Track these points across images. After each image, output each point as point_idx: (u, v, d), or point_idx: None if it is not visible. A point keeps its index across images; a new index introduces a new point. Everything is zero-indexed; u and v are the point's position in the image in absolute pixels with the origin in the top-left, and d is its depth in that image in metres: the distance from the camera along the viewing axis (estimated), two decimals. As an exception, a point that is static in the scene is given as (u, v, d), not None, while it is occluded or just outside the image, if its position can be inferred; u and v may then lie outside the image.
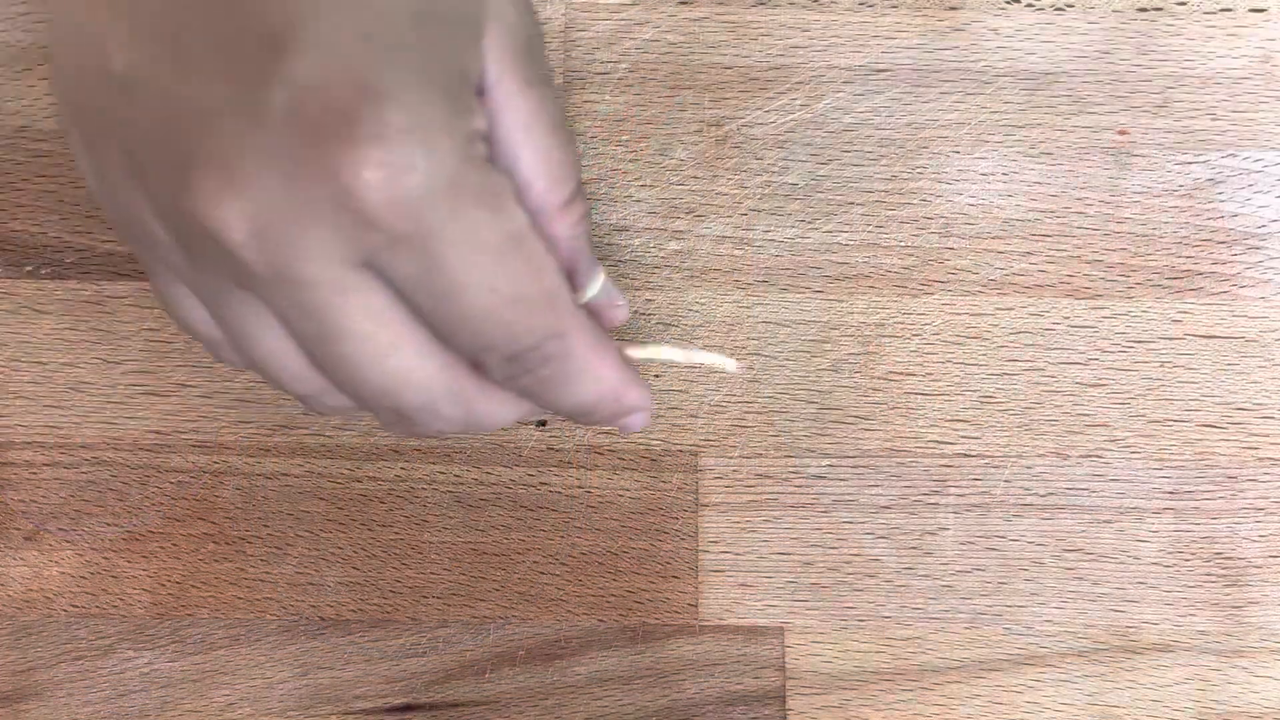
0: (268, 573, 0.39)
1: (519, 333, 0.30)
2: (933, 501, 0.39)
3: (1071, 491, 0.39)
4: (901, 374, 0.40)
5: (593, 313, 0.35)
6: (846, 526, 0.39)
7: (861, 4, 0.42)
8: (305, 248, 0.28)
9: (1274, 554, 0.39)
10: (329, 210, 0.27)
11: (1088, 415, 0.40)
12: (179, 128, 0.28)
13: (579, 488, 0.39)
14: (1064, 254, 0.40)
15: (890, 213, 0.41)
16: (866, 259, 0.40)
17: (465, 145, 0.28)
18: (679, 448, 0.39)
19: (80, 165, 0.31)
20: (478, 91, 0.31)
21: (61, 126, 0.36)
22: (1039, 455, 0.39)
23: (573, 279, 0.34)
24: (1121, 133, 0.41)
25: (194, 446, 0.39)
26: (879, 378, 0.40)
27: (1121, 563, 0.39)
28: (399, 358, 0.29)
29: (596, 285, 0.35)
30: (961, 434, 0.39)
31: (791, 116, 0.41)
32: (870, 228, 0.41)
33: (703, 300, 0.40)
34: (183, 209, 0.28)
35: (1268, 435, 0.39)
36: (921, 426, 0.39)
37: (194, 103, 0.27)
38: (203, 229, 0.28)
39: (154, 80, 0.28)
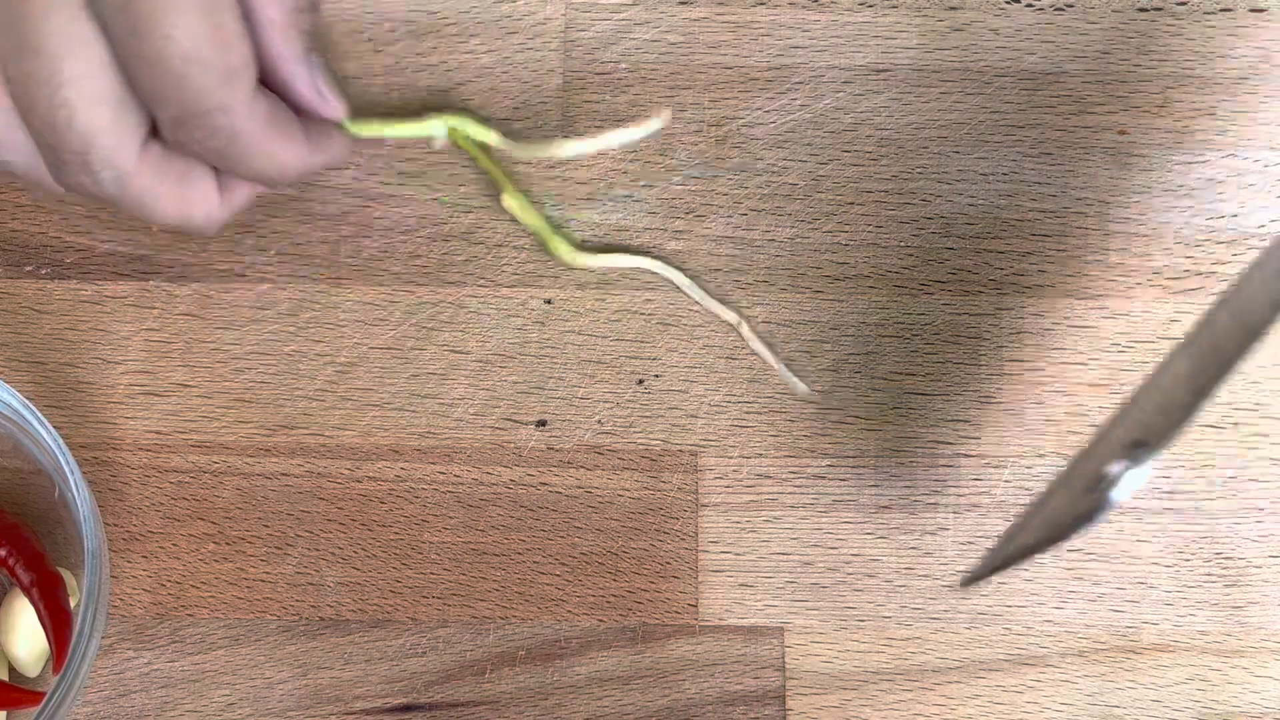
0: (268, 573, 0.39)
1: (187, 93, 0.32)
2: (932, 501, 0.39)
3: (1071, 491, 0.39)
4: (901, 374, 0.40)
5: (303, 106, 0.36)
6: (846, 526, 0.39)
7: (861, 4, 0.42)
8: None
9: (1274, 554, 0.39)
10: None
11: (1088, 415, 0.40)
12: None
13: (579, 488, 0.39)
14: (1064, 254, 0.40)
15: (890, 213, 0.41)
16: (866, 259, 0.40)
17: None
18: (679, 448, 0.39)
19: None
20: None
21: None
22: (1039, 455, 0.39)
23: (279, 65, 0.35)
24: (1121, 133, 0.41)
25: (194, 446, 0.39)
26: (879, 378, 0.40)
27: (1121, 563, 0.39)
28: (72, 91, 0.32)
29: (303, 77, 0.36)
30: (961, 434, 0.39)
31: (791, 116, 0.41)
32: (870, 228, 0.41)
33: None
34: None
35: (1268, 435, 0.39)
36: (921, 426, 0.39)
37: None
38: None
39: None
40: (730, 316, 0.39)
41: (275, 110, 0.35)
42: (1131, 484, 0.29)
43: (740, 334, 0.39)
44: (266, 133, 0.34)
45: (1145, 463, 0.29)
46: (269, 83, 0.36)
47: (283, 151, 0.35)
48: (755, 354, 0.40)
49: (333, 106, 0.37)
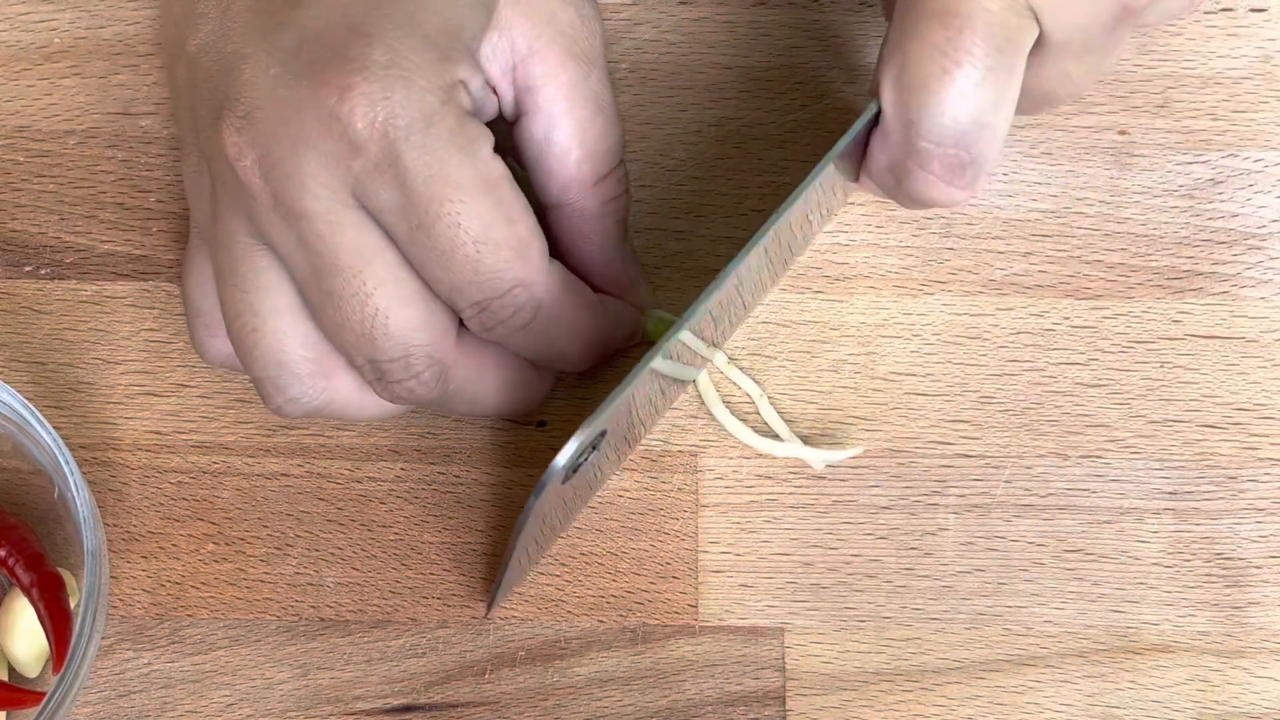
0: (268, 573, 0.39)
1: (484, 275, 0.32)
2: (933, 501, 0.39)
3: (1071, 491, 0.39)
4: (901, 374, 0.40)
5: (616, 292, 0.37)
6: (846, 526, 0.39)
7: (862, 4, 0.42)
8: (302, 177, 0.31)
9: (1274, 554, 0.39)
10: (319, 136, 0.31)
11: (1088, 415, 0.40)
12: (222, 80, 0.32)
13: (579, 488, 0.39)
14: (1064, 254, 0.40)
15: (890, 213, 0.41)
16: (866, 259, 0.40)
17: (444, 89, 0.31)
18: (679, 448, 0.39)
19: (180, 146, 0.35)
20: (512, 64, 0.34)
21: (170, 111, 0.41)
22: (1039, 455, 0.39)
23: (597, 256, 0.36)
24: (1121, 133, 0.41)
25: (194, 446, 0.39)
26: (879, 378, 0.40)
27: (1121, 563, 0.39)
28: (381, 298, 0.32)
29: (624, 267, 0.37)
30: (961, 434, 0.39)
31: (791, 116, 0.41)
32: (870, 228, 0.41)
33: (703, 300, 0.40)
34: (211, 145, 0.32)
35: (1268, 435, 0.39)
36: (921, 426, 0.39)
37: (234, 57, 0.32)
38: (222, 160, 0.32)
39: (210, 47, 0.33)
40: (752, 389, 0.39)
41: (569, 278, 0.35)
42: (569, 450, 0.31)
43: (759, 408, 0.39)
44: (566, 300, 0.34)
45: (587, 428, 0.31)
46: (585, 274, 0.36)
47: (585, 321, 0.35)
48: (755, 355, 0.40)
49: (645, 290, 0.38)
